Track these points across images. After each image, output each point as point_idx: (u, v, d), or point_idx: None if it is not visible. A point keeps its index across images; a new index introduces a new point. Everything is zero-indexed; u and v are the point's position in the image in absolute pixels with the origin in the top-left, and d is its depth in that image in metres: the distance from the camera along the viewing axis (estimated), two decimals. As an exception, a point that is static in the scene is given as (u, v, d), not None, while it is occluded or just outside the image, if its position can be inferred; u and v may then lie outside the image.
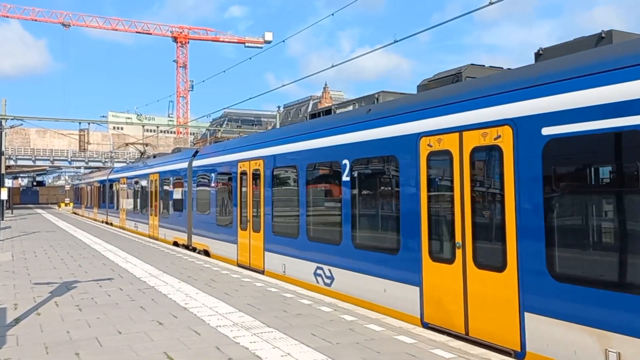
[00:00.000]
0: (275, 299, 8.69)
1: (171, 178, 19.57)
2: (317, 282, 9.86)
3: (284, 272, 11.12)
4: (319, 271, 9.84)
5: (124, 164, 50.13)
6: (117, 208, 29.76)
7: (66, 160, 72.22)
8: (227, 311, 7.83)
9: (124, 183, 27.98)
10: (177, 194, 18.72)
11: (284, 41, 21.99)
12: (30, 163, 70.82)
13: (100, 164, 69.01)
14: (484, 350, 5.94)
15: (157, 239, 20.67)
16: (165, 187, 20.34)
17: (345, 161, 9.08)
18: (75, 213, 48.69)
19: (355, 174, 8.91)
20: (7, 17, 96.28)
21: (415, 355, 5.69)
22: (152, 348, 6.00)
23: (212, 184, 15.32)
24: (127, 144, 37.66)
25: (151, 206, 22.25)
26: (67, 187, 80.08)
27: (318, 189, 10.34)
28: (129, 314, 7.72)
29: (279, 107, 61.59)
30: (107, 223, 32.24)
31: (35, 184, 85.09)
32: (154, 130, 60.58)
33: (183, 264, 13.15)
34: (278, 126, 49.15)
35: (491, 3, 9.62)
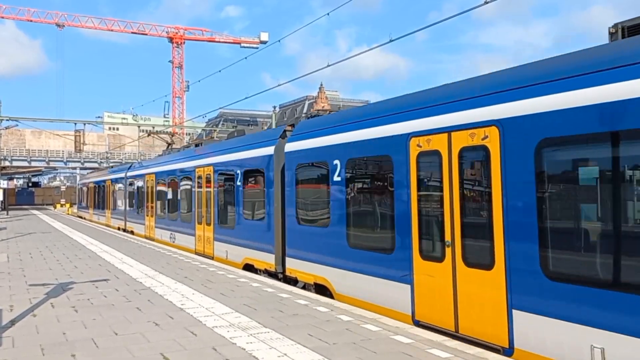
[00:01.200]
0: (271, 299, 8.68)
1: (238, 171, 13.95)
2: None
3: None
4: None
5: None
6: (141, 212, 23.79)
7: (62, 160, 72.26)
8: (223, 312, 7.83)
9: (151, 180, 22.20)
10: (252, 195, 13.38)
11: (279, 41, 21.83)
12: (25, 164, 70.84)
13: (96, 165, 68.94)
14: (480, 349, 5.95)
15: (211, 257, 15.13)
16: (226, 185, 14.87)
17: None
18: (80, 217, 42.57)
19: None
20: (2, 17, 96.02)
21: (412, 355, 5.70)
22: (149, 349, 5.99)
23: (336, 178, 9.62)
24: (149, 134, 30.68)
25: (200, 211, 16.54)
26: (63, 188, 79.90)
27: None
28: (125, 314, 7.71)
29: (274, 107, 61.55)
30: (124, 230, 26.60)
31: (30, 184, 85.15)
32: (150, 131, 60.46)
33: (179, 264, 13.13)
34: (274, 127, 41.00)
35: (486, 2, 9.65)
